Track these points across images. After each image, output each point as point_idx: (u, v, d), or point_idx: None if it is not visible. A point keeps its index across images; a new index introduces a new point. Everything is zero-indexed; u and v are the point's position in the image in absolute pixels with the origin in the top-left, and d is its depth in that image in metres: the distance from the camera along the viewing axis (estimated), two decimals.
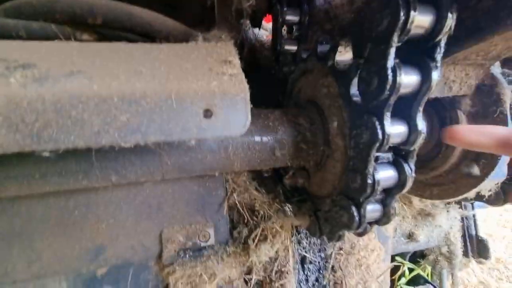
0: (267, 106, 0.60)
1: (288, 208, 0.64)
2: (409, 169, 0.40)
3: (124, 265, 0.60)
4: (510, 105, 0.51)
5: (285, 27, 0.72)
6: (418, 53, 0.36)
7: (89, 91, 0.27)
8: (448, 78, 0.50)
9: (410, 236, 0.91)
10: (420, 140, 0.38)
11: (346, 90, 0.44)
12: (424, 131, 0.38)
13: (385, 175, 0.40)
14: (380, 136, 0.36)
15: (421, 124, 0.37)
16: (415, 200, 0.86)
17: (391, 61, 0.33)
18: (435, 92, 0.53)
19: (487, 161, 0.55)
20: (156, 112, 0.29)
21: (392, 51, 0.33)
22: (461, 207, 1.01)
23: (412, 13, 0.31)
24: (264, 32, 1.01)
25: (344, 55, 0.51)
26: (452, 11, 0.32)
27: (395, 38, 0.32)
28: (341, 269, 0.72)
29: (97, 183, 0.47)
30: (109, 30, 0.54)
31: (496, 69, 0.53)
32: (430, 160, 0.65)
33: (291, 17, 0.69)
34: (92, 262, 0.58)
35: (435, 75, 0.34)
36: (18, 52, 0.31)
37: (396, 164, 0.41)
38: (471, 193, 0.61)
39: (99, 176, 0.46)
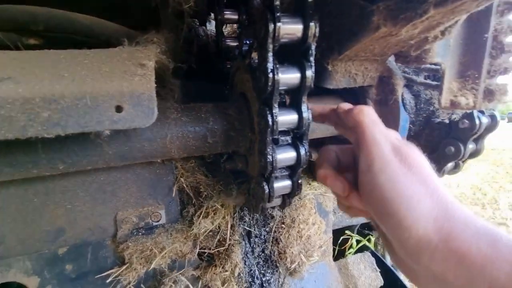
0: (219, 99, 0.68)
1: (229, 189, 0.73)
2: (304, 149, 0.49)
3: (83, 244, 0.68)
4: (402, 94, 0.61)
5: (225, 26, 0.79)
6: (297, 54, 0.44)
7: (15, 94, 0.34)
8: (350, 72, 0.60)
9: None
10: (307, 125, 0.47)
11: (257, 85, 0.52)
12: (310, 118, 0.47)
13: (283, 155, 0.49)
14: (270, 123, 0.45)
15: (306, 112, 0.46)
16: None
17: (270, 64, 0.41)
18: (342, 83, 0.62)
19: None
20: (73, 109, 0.36)
21: (270, 55, 0.41)
22: None
23: (278, 24, 0.39)
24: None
25: None
26: (315, 21, 0.40)
27: (270, 44, 0.40)
28: (282, 241, 0.83)
29: (46, 171, 0.54)
30: (53, 35, 0.60)
31: (393, 62, 0.63)
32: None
33: (230, 17, 0.77)
34: (53, 243, 0.65)
35: (309, 72, 0.43)
36: None
37: (294, 145, 0.50)
38: None
39: (47, 165, 0.53)
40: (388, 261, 1.04)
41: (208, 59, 0.94)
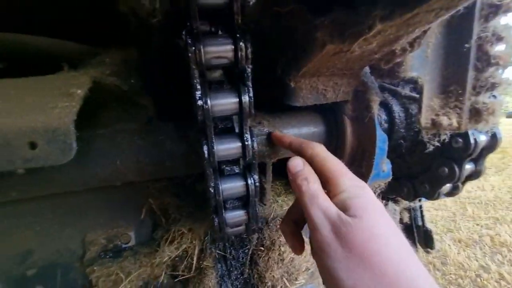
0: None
1: (199, 211, 0.69)
2: (251, 179, 0.44)
3: (52, 266, 0.67)
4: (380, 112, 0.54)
5: None
6: (234, 78, 0.39)
7: None
8: (317, 88, 0.53)
9: None
10: (252, 154, 0.42)
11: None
12: (255, 147, 0.42)
13: (228, 186, 0.44)
14: (207, 154, 0.40)
15: (249, 140, 0.41)
16: None
17: (197, 91, 0.37)
18: (310, 100, 0.56)
19: (367, 163, 0.58)
20: None
21: (196, 81, 0.36)
22: (396, 203, 1.04)
23: (197, 45, 0.34)
24: None
25: None
26: (245, 41, 0.35)
27: (195, 70, 0.36)
28: (261, 264, 0.78)
29: (1, 198, 0.53)
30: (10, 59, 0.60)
31: (369, 76, 0.55)
32: None
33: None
34: (21, 265, 0.66)
35: (246, 97, 0.38)
36: None
37: (244, 175, 0.45)
38: None
39: (1, 192, 0.52)
40: None
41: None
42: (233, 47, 0.36)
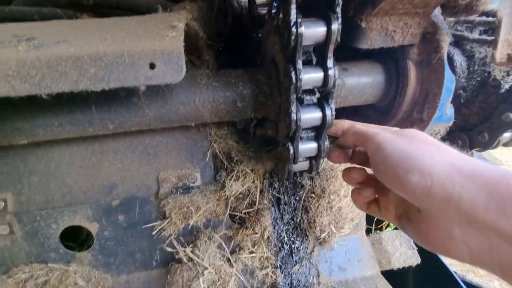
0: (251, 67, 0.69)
1: (259, 154, 0.75)
2: (329, 108, 0.48)
3: (132, 199, 0.78)
4: (450, 52, 0.55)
5: None
6: (323, 7, 0.42)
7: (68, 53, 0.40)
8: (387, 29, 0.55)
9: None
10: (333, 83, 0.46)
11: (285, 45, 0.52)
12: (336, 75, 0.45)
13: (308, 113, 0.49)
14: (294, 80, 0.45)
15: (332, 69, 0.45)
16: None
17: (293, 17, 0.41)
18: (378, 43, 0.58)
19: (430, 105, 0.59)
20: (114, 66, 0.41)
21: (293, 7, 0.40)
22: None
23: None
24: None
25: None
26: None
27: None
28: (312, 210, 0.83)
29: (100, 130, 0.62)
30: (102, 9, 0.67)
31: (440, 16, 0.56)
32: (390, 110, 0.70)
33: None
34: (107, 196, 0.76)
35: (335, 25, 0.41)
36: (26, 30, 0.45)
37: (320, 104, 0.50)
38: None
39: (100, 125, 0.61)
40: None
41: (242, 30, 0.95)
42: None
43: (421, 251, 0.93)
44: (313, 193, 0.84)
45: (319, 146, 0.54)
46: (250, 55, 0.91)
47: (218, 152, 0.77)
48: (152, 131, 0.71)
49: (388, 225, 1.11)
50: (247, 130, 0.80)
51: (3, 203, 0.71)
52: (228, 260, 0.80)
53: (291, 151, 0.53)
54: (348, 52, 0.63)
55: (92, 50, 0.41)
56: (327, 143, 0.53)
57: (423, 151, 0.35)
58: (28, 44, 0.41)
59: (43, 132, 0.59)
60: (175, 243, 0.79)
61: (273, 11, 0.62)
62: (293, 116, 0.48)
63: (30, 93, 0.40)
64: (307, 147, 0.54)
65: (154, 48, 0.42)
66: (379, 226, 1.11)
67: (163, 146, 0.77)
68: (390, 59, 0.67)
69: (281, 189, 0.82)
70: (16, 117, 0.57)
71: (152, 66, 0.42)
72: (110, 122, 0.61)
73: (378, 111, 0.76)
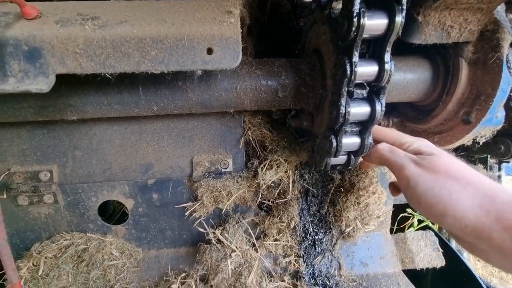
0: (288, 56, 0.69)
1: (292, 146, 0.76)
2: (380, 104, 0.48)
3: (166, 179, 0.81)
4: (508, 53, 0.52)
5: None
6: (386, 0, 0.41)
7: (132, 34, 0.41)
8: (444, 24, 0.53)
9: None
10: (388, 78, 0.45)
11: (336, 36, 0.51)
12: (392, 70, 0.45)
13: (357, 108, 0.48)
14: (349, 72, 0.44)
15: (389, 63, 0.44)
16: None
17: (356, 6, 0.40)
18: (432, 38, 0.55)
19: (481, 107, 0.57)
20: (174, 49, 0.42)
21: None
22: (486, 168, 1.00)
23: None
24: None
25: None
26: None
27: None
28: (339, 203, 0.84)
29: (144, 111, 0.64)
30: None
31: (502, 13, 0.53)
32: (433, 109, 0.68)
33: None
34: (144, 174, 0.79)
35: (399, 17, 0.40)
36: (89, 9, 0.46)
37: (370, 100, 0.49)
38: (467, 140, 0.64)
39: (145, 106, 0.63)
40: (453, 244, 0.97)
41: (280, 17, 0.93)
42: None
43: (446, 254, 0.91)
44: (342, 187, 0.84)
45: (362, 141, 0.53)
46: (287, 44, 0.90)
47: (251, 139, 0.78)
48: (188, 115, 0.73)
49: (410, 225, 1.10)
50: (280, 120, 0.80)
51: (49, 174, 0.76)
52: (253, 245, 0.83)
53: (334, 144, 0.53)
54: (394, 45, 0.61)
55: (154, 32, 0.42)
56: (371, 138, 0.53)
57: (451, 192, 0.41)
58: (93, 23, 0.42)
59: (92, 110, 0.62)
60: (204, 224, 0.82)
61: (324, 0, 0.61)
62: (342, 109, 0.47)
63: (95, 71, 0.42)
64: (350, 141, 0.54)
65: (212, 33, 0.43)
66: (402, 226, 1.10)
67: (198, 130, 0.79)
68: (438, 55, 0.64)
69: (310, 180, 0.83)
70: (69, 94, 0.60)
71: (209, 51, 0.43)
72: (155, 104, 0.63)
73: (417, 110, 0.74)
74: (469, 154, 0.89)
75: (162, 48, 0.42)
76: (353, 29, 0.41)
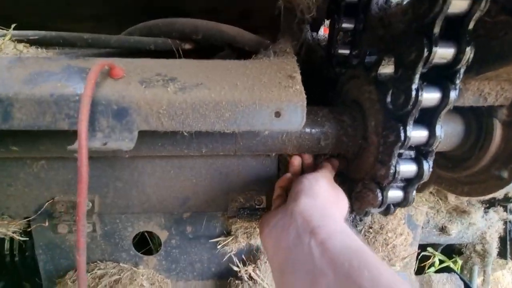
0: (319, 100, 0.74)
1: None
2: (427, 165, 0.51)
3: (201, 213, 0.83)
4: None
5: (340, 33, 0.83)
6: (441, 76, 0.46)
7: (210, 98, 0.46)
8: (483, 91, 0.58)
9: (443, 229, 0.98)
10: (437, 143, 0.49)
11: (383, 98, 0.56)
12: (441, 137, 0.49)
13: (405, 167, 0.52)
14: (402, 138, 0.48)
15: (439, 131, 0.48)
16: (451, 196, 0.92)
17: (415, 84, 0.44)
18: (470, 101, 0.60)
19: None
20: (246, 112, 0.46)
21: (417, 77, 0.44)
22: (506, 211, 1.03)
23: (434, 49, 0.41)
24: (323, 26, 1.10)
25: (386, 67, 0.62)
26: (470, 46, 0.42)
27: (419, 67, 0.43)
28: (369, 244, 0.85)
29: (193, 152, 0.68)
30: (204, 41, 0.74)
31: None
32: (464, 161, 0.72)
33: (347, 25, 0.80)
34: (181, 207, 0.82)
35: (453, 95, 0.45)
36: (165, 68, 0.51)
37: (417, 160, 0.53)
38: (499, 194, 0.67)
39: (195, 148, 0.67)
40: None
41: (313, 65, 0.99)
42: (456, 51, 0.42)
43: None
44: (371, 228, 0.86)
45: (406, 195, 0.57)
46: (318, 88, 0.95)
47: None
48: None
49: (431, 265, 1.10)
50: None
51: (91, 204, 0.79)
52: None
53: (379, 198, 0.56)
54: None
55: (229, 96, 0.46)
56: (414, 194, 0.56)
57: None
58: (174, 85, 0.47)
59: (146, 149, 0.66)
60: (235, 259, 0.84)
61: (366, 59, 0.66)
62: (392, 169, 0.51)
63: (174, 129, 0.46)
64: (395, 195, 0.57)
65: (281, 99, 0.47)
66: (422, 265, 1.11)
67: (235, 167, 0.82)
68: (471, 113, 0.69)
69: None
70: None
71: (277, 114, 0.47)
72: (205, 146, 0.66)
73: (448, 158, 0.78)
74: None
75: (235, 111, 0.46)
76: (410, 103, 0.45)
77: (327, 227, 0.45)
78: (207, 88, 0.47)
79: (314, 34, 1.02)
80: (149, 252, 0.90)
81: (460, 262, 1.08)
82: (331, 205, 0.56)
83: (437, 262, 1.09)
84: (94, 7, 0.83)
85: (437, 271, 1.10)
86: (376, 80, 0.58)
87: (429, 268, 1.11)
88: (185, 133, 0.47)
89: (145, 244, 1.17)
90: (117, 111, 0.44)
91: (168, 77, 0.48)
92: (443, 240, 1.01)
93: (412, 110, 0.46)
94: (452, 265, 1.08)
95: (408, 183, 0.55)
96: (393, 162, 0.51)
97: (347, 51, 0.83)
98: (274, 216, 0.57)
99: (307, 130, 0.67)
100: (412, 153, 0.52)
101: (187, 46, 0.73)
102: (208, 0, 0.85)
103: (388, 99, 0.54)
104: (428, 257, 1.12)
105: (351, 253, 0.39)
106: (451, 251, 1.16)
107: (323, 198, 0.55)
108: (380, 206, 0.57)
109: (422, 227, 0.94)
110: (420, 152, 0.52)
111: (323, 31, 1.11)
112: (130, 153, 0.67)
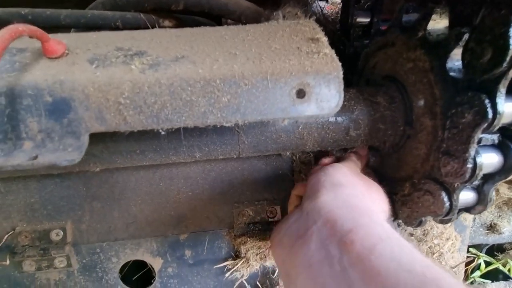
0: None
1: None
2: None
3: (201, 232, 0.67)
4: None
5: None
6: None
7: (196, 75, 0.30)
8: None
9: (492, 227, 0.82)
10: None
11: (440, 64, 0.40)
12: None
13: (489, 159, 0.36)
14: (491, 115, 0.32)
15: None
16: (503, 188, 0.76)
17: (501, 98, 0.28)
18: None
19: None
20: (253, 93, 0.30)
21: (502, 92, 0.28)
22: None
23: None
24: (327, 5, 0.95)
25: (435, 24, 0.46)
26: None
27: None
28: None
29: (184, 158, 0.52)
30: (187, 15, 0.57)
31: None
32: None
33: None
34: (175, 228, 0.66)
35: None
36: (128, 41, 0.35)
37: (502, 146, 0.37)
38: None
39: (186, 153, 0.51)
40: None
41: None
42: None
43: None
44: (412, 235, 0.70)
45: (481, 196, 0.41)
46: None
47: (302, 181, 0.65)
48: None
49: (476, 268, 0.95)
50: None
51: (62, 233, 0.63)
52: None
53: (446, 204, 0.40)
54: None
55: (225, 71, 0.30)
56: (493, 194, 0.40)
57: None
58: (140, 61, 0.31)
59: (121, 160, 0.50)
60: (248, 286, 0.68)
61: (403, 19, 0.50)
62: (469, 163, 0.35)
63: (144, 127, 0.30)
64: (466, 197, 0.41)
65: (305, 69, 0.31)
66: (465, 268, 0.95)
67: (239, 172, 0.66)
68: None
69: None
70: (93, 142, 0.47)
71: (300, 93, 0.31)
72: (198, 150, 0.50)
73: None
74: None
75: (237, 93, 0.30)
76: (507, 58, 0.29)
77: (363, 231, 0.29)
78: (191, 62, 0.31)
79: (323, 6, 0.86)
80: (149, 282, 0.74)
81: (511, 262, 0.92)
82: (362, 197, 0.39)
83: (482, 265, 0.94)
84: None
85: (482, 276, 0.94)
86: (425, 42, 0.42)
87: (472, 272, 0.96)
88: (163, 132, 0.31)
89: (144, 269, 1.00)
90: (53, 105, 0.28)
91: (132, 51, 0.32)
92: (492, 239, 0.85)
93: (508, 71, 0.30)
94: (501, 267, 0.92)
95: (485, 180, 0.39)
96: (471, 152, 0.35)
97: (367, 19, 0.67)
98: (285, 220, 0.42)
99: (331, 118, 0.51)
100: (495, 138, 0.36)
101: (166, 23, 0.57)
102: None
103: (450, 63, 0.38)
104: (471, 260, 0.96)
105: (414, 278, 0.24)
106: (493, 249, 1.00)
107: (349, 188, 0.39)
108: (448, 214, 0.41)
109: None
110: (508, 135, 0.36)
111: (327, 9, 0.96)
112: (102, 166, 0.51)
